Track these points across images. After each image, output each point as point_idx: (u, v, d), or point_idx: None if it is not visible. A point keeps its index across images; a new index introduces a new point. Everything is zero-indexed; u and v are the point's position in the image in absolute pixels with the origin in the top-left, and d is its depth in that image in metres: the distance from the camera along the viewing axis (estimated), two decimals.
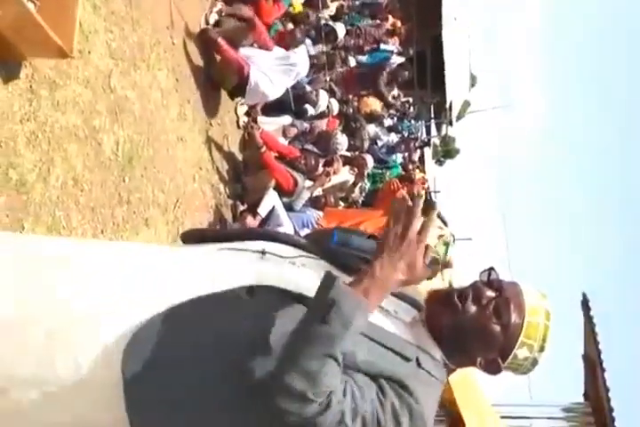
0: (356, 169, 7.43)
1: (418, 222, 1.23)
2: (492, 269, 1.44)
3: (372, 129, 9.46)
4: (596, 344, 6.15)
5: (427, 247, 1.26)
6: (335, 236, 1.32)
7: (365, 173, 7.60)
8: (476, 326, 1.35)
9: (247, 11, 5.49)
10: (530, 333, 1.36)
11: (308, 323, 1.15)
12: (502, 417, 5.20)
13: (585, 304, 6.67)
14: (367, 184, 8.29)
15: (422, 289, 1.43)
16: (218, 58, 5.10)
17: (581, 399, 6.63)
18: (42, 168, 2.59)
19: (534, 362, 1.39)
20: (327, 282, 1.17)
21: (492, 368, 1.40)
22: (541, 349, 1.37)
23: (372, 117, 9.55)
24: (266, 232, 1.52)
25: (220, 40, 4.94)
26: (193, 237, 1.55)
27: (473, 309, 1.37)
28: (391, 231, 1.24)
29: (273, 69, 5.31)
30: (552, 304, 1.44)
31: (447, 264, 4.51)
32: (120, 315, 1.22)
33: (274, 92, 5.47)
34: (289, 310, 1.23)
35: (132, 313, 1.22)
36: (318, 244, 1.43)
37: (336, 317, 1.13)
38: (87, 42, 3.01)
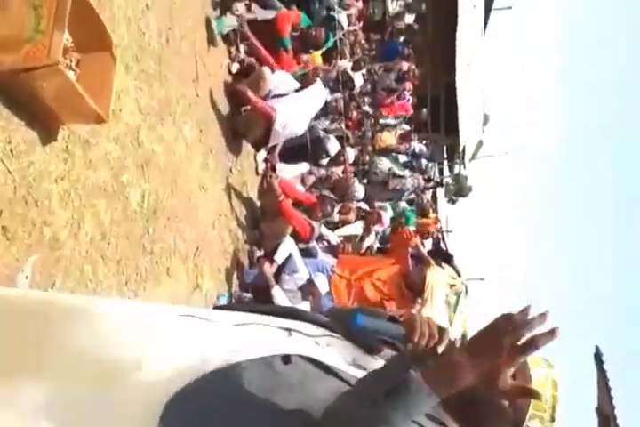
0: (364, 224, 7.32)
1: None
2: None
3: (386, 164, 9.51)
4: (610, 399, 6.09)
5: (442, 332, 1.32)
6: (358, 319, 1.37)
7: (372, 230, 7.44)
8: (484, 402, 1.36)
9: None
10: (538, 406, 1.40)
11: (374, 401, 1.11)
12: None
13: (598, 357, 6.63)
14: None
15: None
16: (243, 109, 5.27)
17: None
18: (73, 225, 2.68)
19: None
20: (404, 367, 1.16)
21: None
22: (552, 419, 1.42)
23: (387, 151, 9.72)
24: (291, 311, 1.59)
25: (249, 92, 5.11)
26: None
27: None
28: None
29: (297, 106, 5.49)
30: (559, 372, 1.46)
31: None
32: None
33: (299, 129, 5.68)
34: (328, 381, 1.26)
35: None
36: (342, 324, 1.49)
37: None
38: (119, 101, 3.13)
